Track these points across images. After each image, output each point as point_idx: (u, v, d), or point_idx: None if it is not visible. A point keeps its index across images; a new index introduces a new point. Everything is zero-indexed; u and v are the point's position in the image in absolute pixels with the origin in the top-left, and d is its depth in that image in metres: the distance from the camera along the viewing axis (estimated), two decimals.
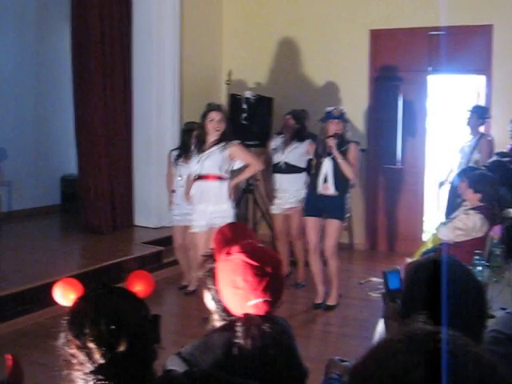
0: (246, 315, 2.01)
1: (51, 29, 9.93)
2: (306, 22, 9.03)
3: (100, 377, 1.52)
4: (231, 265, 2.03)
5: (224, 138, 6.03)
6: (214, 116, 6.04)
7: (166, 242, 7.59)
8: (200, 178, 6.06)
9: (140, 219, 8.91)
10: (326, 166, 6.17)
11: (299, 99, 8.69)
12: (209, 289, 2.15)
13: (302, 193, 6.86)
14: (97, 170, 8.55)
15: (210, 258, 2.19)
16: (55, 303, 5.60)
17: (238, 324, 2.02)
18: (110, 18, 8.50)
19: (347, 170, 6.11)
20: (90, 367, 1.54)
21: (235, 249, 2.04)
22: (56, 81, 9.83)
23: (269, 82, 9.36)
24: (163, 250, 7.63)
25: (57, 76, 9.80)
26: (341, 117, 6.19)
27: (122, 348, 1.53)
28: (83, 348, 1.55)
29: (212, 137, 6.03)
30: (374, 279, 7.12)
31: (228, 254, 2.05)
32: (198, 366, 1.97)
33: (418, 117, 8.54)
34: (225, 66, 9.66)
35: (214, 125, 6.00)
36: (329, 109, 6.28)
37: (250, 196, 8.34)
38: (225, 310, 2.10)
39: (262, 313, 2.01)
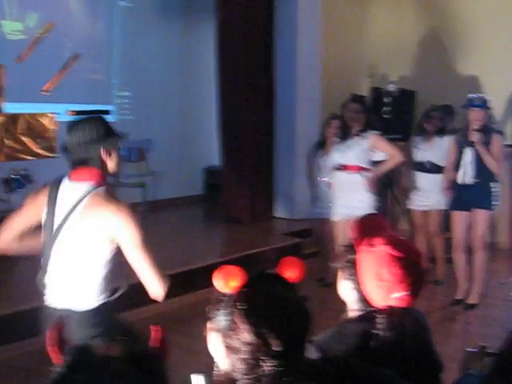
0: (389, 307, 1.98)
1: (196, 23, 10.24)
2: (454, 12, 8.89)
3: (279, 362, 1.51)
4: (376, 257, 1.99)
5: (364, 129, 6.08)
6: (353, 106, 6.11)
7: (306, 233, 7.69)
8: (341, 168, 6.14)
9: (280, 211, 9.09)
10: (468, 156, 6.06)
11: (443, 92, 8.54)
12: (349, 279, 2.13)
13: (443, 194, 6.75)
14: (239, 162, 8.82)
15: (350, 248, 2.16)
16: (196, 288, 5.91)
17: (380, 316, 2.00)
18: (253, 16, 8.74)
19: (491, 164, 5.97)
20: (265, 354, 1.52)
21: (379, 240, 2.00)
22: (200, 75, 10.16)
23: (412, 75, 9.29)
24: (303, 242, 7.72)
25: (201, 70, 10.12)
26: (482, 105, 6.00)
27: (296, 334, 1.56)
28: (261, 335, 1.53)
29: (352, 127, 6.09)
30: None
31: (371, 245, 2.02)
32: (331, 354, 1.93)
33: None
34: (367, 59, 9.69)
35: (353, 115, 6.07)
36: (471, 96, 6.14)
37: (389, 190, 8.32)
38: (364, 301, 2.07)
39: (404, 305, 1.99)
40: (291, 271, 1.70)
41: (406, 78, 9.29)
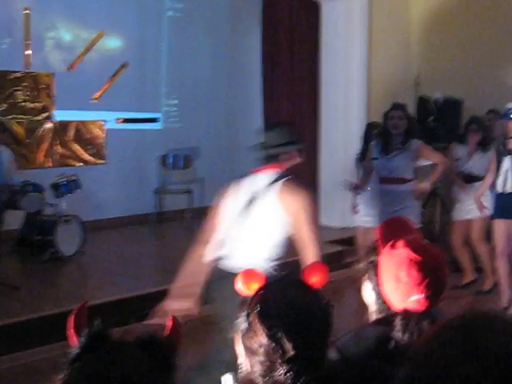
0: (406, 310, 1.98)
1: (242, 32, 10.30)
2: (503, 17, 8.81)
3: (293, 366, 1.53)
4: (395, 259, 2.00)
5: (407, 139, 6.08)
6: (394, 114, 6.11)
7: (349, 241, 7.69)
8: (385, 181, 6.17)
9: (324, 219, 9.06)
10: (507, 164, 6.04)
11: (490, 101, 8.48)
12: (370, 280, 2.15)
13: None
14: None
15: (374, 250, 2.17)
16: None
17: (398, 318, 1.99)
18: (298, 24, 8.85)
19: None
20: (279, 357, 1.54)
21: (400, 243, 2.01)
22: (246, 83, 10.19)
23: (458, 84, 9.22)
24: (345, 250, 7.73)
25: (247, 79, 10.15)
26: None
27: (311, 340, 1.58)
28: (274, 338, 1.56)
29: (394, 135, 6.10)
30: None
31: (392, 247, 2.02)
32: (349, 356, 1.92)
33: None
34: (414, 67, 9.68)
35: (394, 122, 6.07)
36: (509, 106, 6.14)
37: (437, 199, 8.30)
38: (384, 303, 2.08)
39: (422, 308, 1.97)
40: (315, 276, 1.75)
41: (452, 86, 9.24)
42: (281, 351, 1.54)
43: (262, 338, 1.57)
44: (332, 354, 1.91)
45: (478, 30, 9.02)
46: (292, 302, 1.62)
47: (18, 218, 7.32)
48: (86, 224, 7.40)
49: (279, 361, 1.53)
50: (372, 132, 6.85)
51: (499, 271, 6.36)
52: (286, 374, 1.52)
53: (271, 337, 1.55)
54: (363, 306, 2.23)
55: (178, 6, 9.85)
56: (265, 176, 3.66)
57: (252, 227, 3.69)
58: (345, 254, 7.71)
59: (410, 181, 6.10)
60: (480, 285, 7.06)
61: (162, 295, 5.99)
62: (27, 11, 8.17)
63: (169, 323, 1.38)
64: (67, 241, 7.04)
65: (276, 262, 3.74)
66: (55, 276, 6.77)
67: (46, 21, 8.49)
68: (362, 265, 2.21)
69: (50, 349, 4.91)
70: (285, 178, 3.64)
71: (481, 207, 6.67)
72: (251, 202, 3.64)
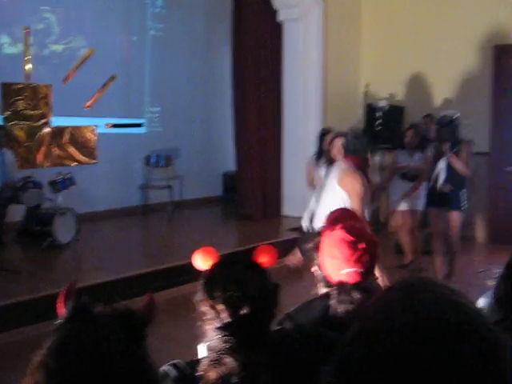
0: (340, 282, 2.03)
1: (215, 49, 10.33)
2: (437, 37, 8.94)
3: (226, 333, 1.53)
4: (332, 239, 2.06)
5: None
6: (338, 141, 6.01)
7: None
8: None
9: (287, 209, 9.11)
10: (441, 165, 6.20)
11: (428, 108, 8.64)
12: (315, 258, 2.19)
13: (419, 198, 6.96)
14: (251, 167, 8.94)
15: (319, 234, 2.22)
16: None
17: (333, 289, 2.05)
18: (263, 42, 8.89)
19: (461, 168, 6.12)
20: (217, 323, 1.55)
21: (338, 226, 2.07)
22: (219, 93, 10.21)
23: (400, 93, 9.36)
24: None
25: (220, 89, 10.17)
26: (450, 124, 6.13)
27: (245, 311, 1.55)
28: (214, 307, 1.57)
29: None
30: (493, 269, 7.00)
31: (332, 230, 2.09)
32: (300, 324, 1.99)
33: None
34: (362, 79, 9.76)
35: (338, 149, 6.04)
36: (441, 115, 6.29)
37: (382, 193, 8.47)
38: (325, 278, 2.13)
39: (353, 281, 2.02)
40: (265, 257, 1.74)
41: (396, 95, 9.37)
42: (218, 319, 1.55)
43: (206, 306, 1.58)
44: (285, 323, 2.02)
45: (417, 46, 9.13)
46: (233, 277, 1.62)
47: (20, 211, 7.32)
48: (80, 216, 7.41)
49: (218, 326, 1.55)
50: (325, 136, 6.85)
51: (435, 251, 6.52)
52: (221, 338, 1.53)
53: (211, 306, 1.57)
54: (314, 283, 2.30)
55: (160, 26, 9.85)
56: (340, 163, 4.45)
57: (326, 198, 4.35)
58: None
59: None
60: (417, 264, 7.18)
61: (146, 277, 6.11)
62: (27, 30, 8.17)
63: (145, 298, 1.37)
64: (63, 230, 7.06)
65: None
66: (53, 261, 6.78)
67: (44, 39, 8.47)
68: (309, 245, 2.25)
69: (49, 324, 4.97)
70: (348, 167, 4.29)
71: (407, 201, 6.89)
72: (329, 179, 4.40)
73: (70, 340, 1.08)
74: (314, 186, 7.04)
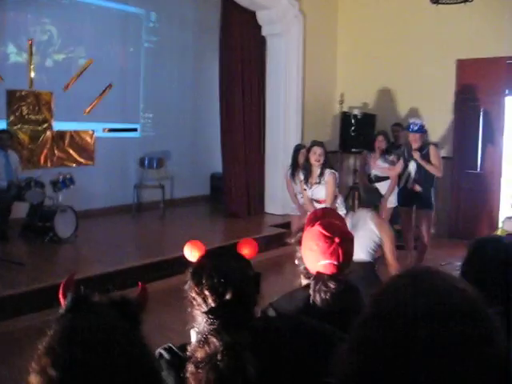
0: (317, 273, 2.04)
1: (204, 60, 10.28)
2: (405, 51, 9.00)
3: (211, 316, 1.54)
4: (310, 233, 2.08)
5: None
6: (316, 150, 5.93)
7: (288, 225, 7.78)
8: (314, 201, 6.11)
9: (269, 207, 9.17)
10: (411, 168, 6.23)
11: (397, 115, 8.71)
12: (296, 252, 2.20)
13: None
14: (237, 169, 8.93)
15: (301, 230, 2.22)
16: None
17: (311, 279, 2.05)
18: (248, 55, 8.90)
19: (432, 169, 6.16)
20: (204, 308, 1.57)
21: (317, 223, 2.09)
22: (208, 101, 10.17)
23: (372, 102, 9.42)
24: (285, 232, 7.75)
25: (209, 97, 10.13)
26: (419, 130, 6.17)
27: (228, 296, 1.57)
28: (200, 294, 1.59)
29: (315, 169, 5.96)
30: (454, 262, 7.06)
31: (311, 226, 2.10)
32: (283, 312, 2.00)
33: (495, 131, 8.29)
34: (338, 89, 9.78)
35: (316, 158, 5.91)
36: (410, 121, 6.30)
37: (355, 192, 8.50)
38: (306, 270, 2.14)
39: (329, 272, 2.02)
40: (247, 249, 1.78)
41: (368, 104, 9.44)
42: (205, 304, 1.57)
43: (194, 293, 1.61)
44: (269, 312, 2.03)
45: (387, 61, 9.20)
46: (218, 266, 1.64)
47: (23, 209, 7.25)
48: (79, 213, 7.35)
49: (204, 310, 1.57)
50: (299, 151, 6.82)
51: (406, 245, 6.57)
52: (208, 321, 1.54)
53: (198, 292, 1.59)
54: (299, 276, 2.30)
55: (153, 39, 9.80)
56: (364, 211, 4.30)
57: (359, 240, 4.56)
58: (284, 235, 7.77)
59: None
60: None
61: (140, 269, 6.08)
62: (31, 41, 8.09)
63: (138, 287, 1.39)
64: (64, 226, 7.01)
65: None
66: (54, 255, 6.74)
67: (46, 49, 8.39)
68: (292, 240, 2.27)
69: (50, 313, 4.94)
70: (376, 215, 4.24)
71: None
72: (359, 224, 4.13)
73: (74, 327, 1.07)
74: (296, 195, 7.01)
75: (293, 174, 6.83)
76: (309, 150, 6.05)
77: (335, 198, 6.04)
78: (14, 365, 4.14)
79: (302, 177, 6.18)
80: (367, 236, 3.93)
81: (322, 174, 5.94)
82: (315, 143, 6.09)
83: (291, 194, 6.95)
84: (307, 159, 6.06)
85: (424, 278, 0.86)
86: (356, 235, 3.59)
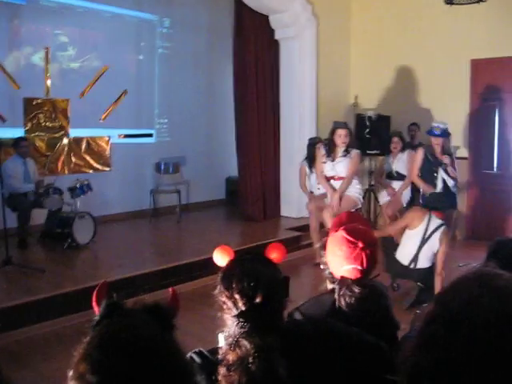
0: (342, 277, 2.05)
1: (218, 65, 10.32)
2: (419, 52, 8.95)
3: (241, 319, 1.55)
4: (335, 238, 2.09)
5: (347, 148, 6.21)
6: (341, 132, 6.15)
7: (304, 228, 7.80)
8: (330, 178, 6.29)
9: (285, 210, 9.13)
10: (442, 175, 6.13)
11: (412, 116, 8.66)
12: (321, 257, 2.22)
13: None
14: (252, 172, 8.92)
15: (326, 235, 2.22)
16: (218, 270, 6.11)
17: (336, 284, 2.06)
18: (262, 59, 8.89)
19: (455, 174, 6.14)
20: (235, 312, 1.58)
21: (341, 228, 2.09)
22: (222, 106, 10.19)
23: (387, 104, 9.37)
24: (302, 235, 7.81)
25: (223, 102, 10.16)
26: (441, 134, 6.12)
27: (258, 299, 1.58)
28: (231, 297, 1.60)
29: (339, 148, 6.19)
30: (473, 263, 7.01)
31: (336, 231, 2.11)
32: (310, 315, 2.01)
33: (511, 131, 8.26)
34: (352, 92, 9.77)
35: (342, 140, 6.12)
36: (434, 125, 6.24)
37: (371, 192, 8.52)
38: (331, 274, 2.14)
39: (353, 277, 2.03)
40: (275, 253, 1.80)
41: (383, 105, 9.39)
42: (235, 308, 1.58)
43: (224, 297, 1.62)
44: (296, 316, 2.05)
45: (401, 61, 9.18)
46: (247, 270, 1.66)
47: (42, 215, 7.32)
48: (97, 218, 7.40)
49: (234, 314, 1.58)
50: (314, 145, 6.91)
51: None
52: (238, 324, 1.55)
53: (229, 296, 1.61)
54: (315, 278, 2.30)
55: (167, 44, 9.83)
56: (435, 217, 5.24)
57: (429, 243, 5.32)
58: (301, 238, 7.81)
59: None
60: None
61: (158, 274, 6.11)
62: (47, 50, 8.17)
63: (170, 294, 1.41)
64: (82, 232, 7.06)
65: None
66: (73, 260, 6.78)
67: (62, 57, 8.47)
68: (316, 245, 2.30)
69: (71, 318, 4.98)
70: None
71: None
72: (428, 230, 5.21)
73: (111, 333, 1.09)
74: (306, 187, 7.16)
75: (310, 167, 6.98)
76: (333, 132, 6.09)
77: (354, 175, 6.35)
78: (37, 370, 4.19)
79: (323, 151, 6.25)
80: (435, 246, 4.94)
81: (347, 152, 6.14)
82: (338, 125, 6.17)
83: (302, 185, 7.32)
84: (331, 139, 6.16)
85: (488, 279, 0.90)
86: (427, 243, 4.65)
